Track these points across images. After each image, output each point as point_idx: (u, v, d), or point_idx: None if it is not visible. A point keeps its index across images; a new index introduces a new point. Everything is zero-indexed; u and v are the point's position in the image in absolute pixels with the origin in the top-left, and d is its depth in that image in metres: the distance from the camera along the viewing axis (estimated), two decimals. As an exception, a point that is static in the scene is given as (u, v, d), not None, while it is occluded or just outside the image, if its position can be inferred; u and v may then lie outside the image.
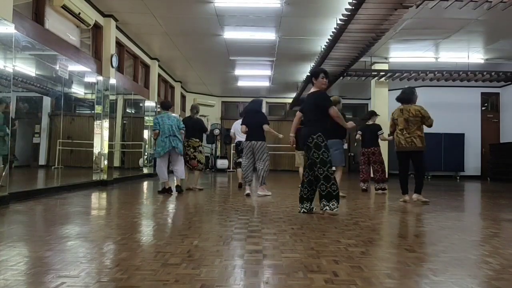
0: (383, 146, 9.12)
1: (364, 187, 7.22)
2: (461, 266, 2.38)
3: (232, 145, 7.07)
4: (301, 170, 7.09)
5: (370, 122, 7.34)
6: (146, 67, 10.98)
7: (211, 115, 15.88)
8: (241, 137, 7.04)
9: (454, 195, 7.39)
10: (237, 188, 7.31)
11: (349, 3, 5.76)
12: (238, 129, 7.21)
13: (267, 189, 6.34)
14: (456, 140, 12.61)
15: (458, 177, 12.49)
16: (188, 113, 10.56)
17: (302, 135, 4.30)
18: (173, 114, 6.77)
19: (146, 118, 11.18)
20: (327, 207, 4.02)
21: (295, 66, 11.34)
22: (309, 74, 10.63)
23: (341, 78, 10.28)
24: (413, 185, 5.54)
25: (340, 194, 4.42)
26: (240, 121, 6.97)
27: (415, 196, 5.49)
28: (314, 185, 4.24)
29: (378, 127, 7.21)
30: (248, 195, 6.02)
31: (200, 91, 15.93)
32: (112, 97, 7.96)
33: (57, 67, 6.71)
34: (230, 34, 8.60)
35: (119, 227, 3.43)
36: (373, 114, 7.54)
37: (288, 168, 15.52)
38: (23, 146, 10.71)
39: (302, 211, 4.31)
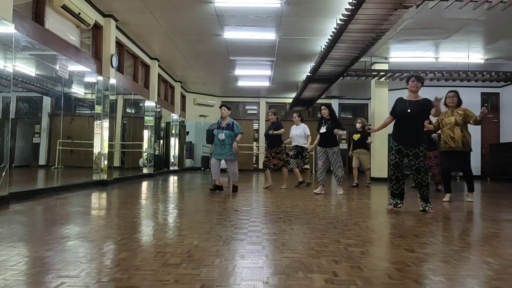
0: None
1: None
2: (461, 266, 2.38)
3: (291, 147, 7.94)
4: (355, 172, 8.62)
5: None
6: (146, 67, 10.98)
7: (211, 115, 15.90)
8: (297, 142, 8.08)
9: (454, 195, 7.38)
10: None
11: (349, 3, 5.75)
12: (295, 135, 8.11)
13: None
14: (456, 140, 12.58)
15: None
16: (187, 113, 10.37)
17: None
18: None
19: (146, 118, 11.17)
20: (427, 207, 4.63)
21: (295, 66, 11.34)
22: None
23: (341, 78, 10.28)
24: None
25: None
26: (295, 126, 8.09)
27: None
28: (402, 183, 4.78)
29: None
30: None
31: (200, 91, 15.92)
32: (112, 97, 7.96)
33: (57, 67, 6.70)
34: (230, 34, 8.59)
35: (119, 227, 3.43)
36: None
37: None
38: (23, 146, 10.72)
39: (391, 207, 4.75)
